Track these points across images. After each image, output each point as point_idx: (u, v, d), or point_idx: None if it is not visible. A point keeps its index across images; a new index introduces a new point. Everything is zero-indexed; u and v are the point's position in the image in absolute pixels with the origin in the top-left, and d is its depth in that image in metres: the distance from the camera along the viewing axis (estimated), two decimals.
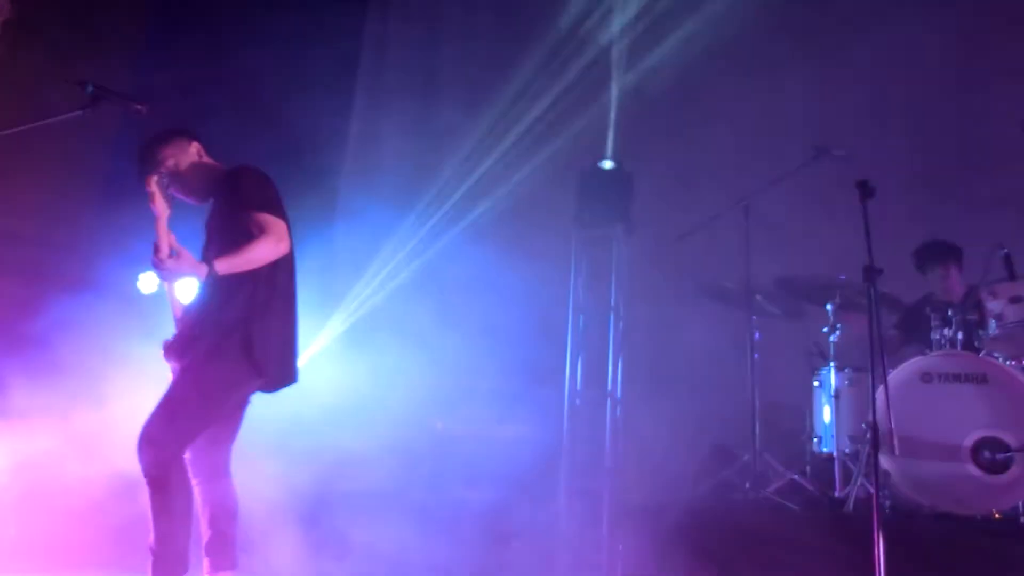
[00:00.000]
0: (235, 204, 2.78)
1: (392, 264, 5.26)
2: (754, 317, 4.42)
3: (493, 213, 5.39)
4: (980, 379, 3.43)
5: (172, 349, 2.79)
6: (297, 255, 2.97)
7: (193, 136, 3.01)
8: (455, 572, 4.11)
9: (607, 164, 5.21)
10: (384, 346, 4.96)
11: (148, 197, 2.69)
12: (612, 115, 5.42)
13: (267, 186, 2.85)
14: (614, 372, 5.01)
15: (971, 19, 5.13)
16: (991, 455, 3.30)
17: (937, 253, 4.38)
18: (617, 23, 5.61)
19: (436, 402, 4.94)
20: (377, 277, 5.25)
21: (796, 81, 5.12)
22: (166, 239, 2.69)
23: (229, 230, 2.77)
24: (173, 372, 2.81)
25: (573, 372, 5.03)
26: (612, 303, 5.10)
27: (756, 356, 4.37)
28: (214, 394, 2.72)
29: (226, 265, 2.66)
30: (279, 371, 2.83)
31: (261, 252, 2.69)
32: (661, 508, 3.99)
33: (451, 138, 5.59)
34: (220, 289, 2.72)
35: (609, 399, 4.92)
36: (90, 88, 2.32)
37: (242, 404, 2.91)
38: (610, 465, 4.75)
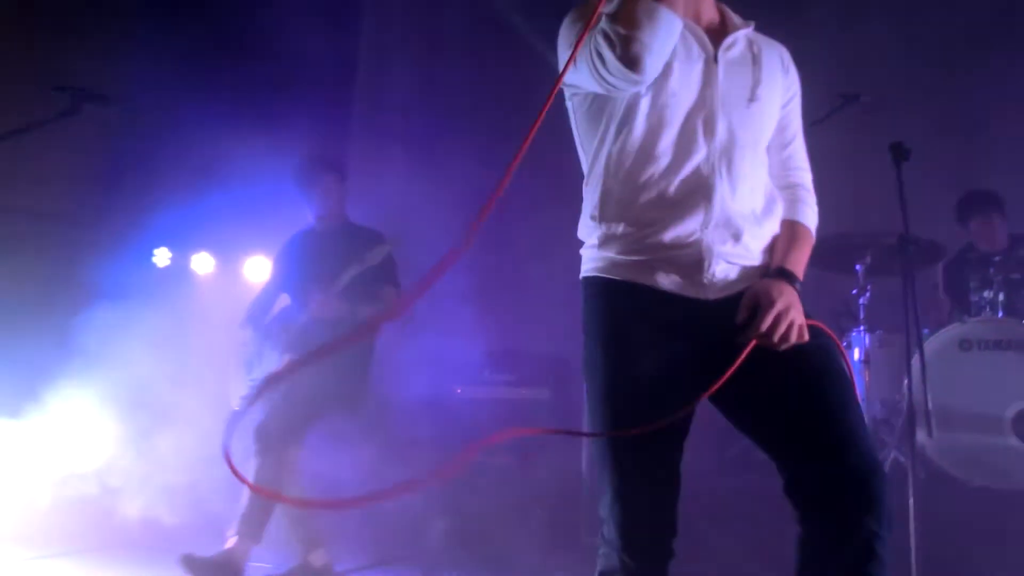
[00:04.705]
0: (374, 266, 3.30)
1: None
2: None
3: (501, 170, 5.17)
4: (1023, 346, 3.29)
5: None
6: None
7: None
8: (476, 538, 4.10)
9: None
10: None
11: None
12: None
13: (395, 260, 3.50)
14: None
15: None
16: None
17: (976, 203, 4.14)
18: None
19: (453, 367, 4.87)
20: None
21: (821, 23, 4.79)
22: None
23: (358, 282, 3.28)
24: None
25: None
26: None
27: None
28: (318, 417, 3.26)
29: (363, 315, 3.26)
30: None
31: (385, 316, 3.42)
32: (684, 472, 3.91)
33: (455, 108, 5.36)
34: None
35: None
36: (68, 92, 2.16)
37: None
38: None
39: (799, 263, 1.65)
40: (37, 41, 4.10)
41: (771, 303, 1.53)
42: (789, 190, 1.74)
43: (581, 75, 1.59)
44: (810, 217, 1.73)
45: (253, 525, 3.03)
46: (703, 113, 1.62)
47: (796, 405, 1.55)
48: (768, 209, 1.69)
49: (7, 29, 4.04)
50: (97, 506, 3.90)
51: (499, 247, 4.97)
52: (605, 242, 1.66)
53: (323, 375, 3.12)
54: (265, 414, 3.13)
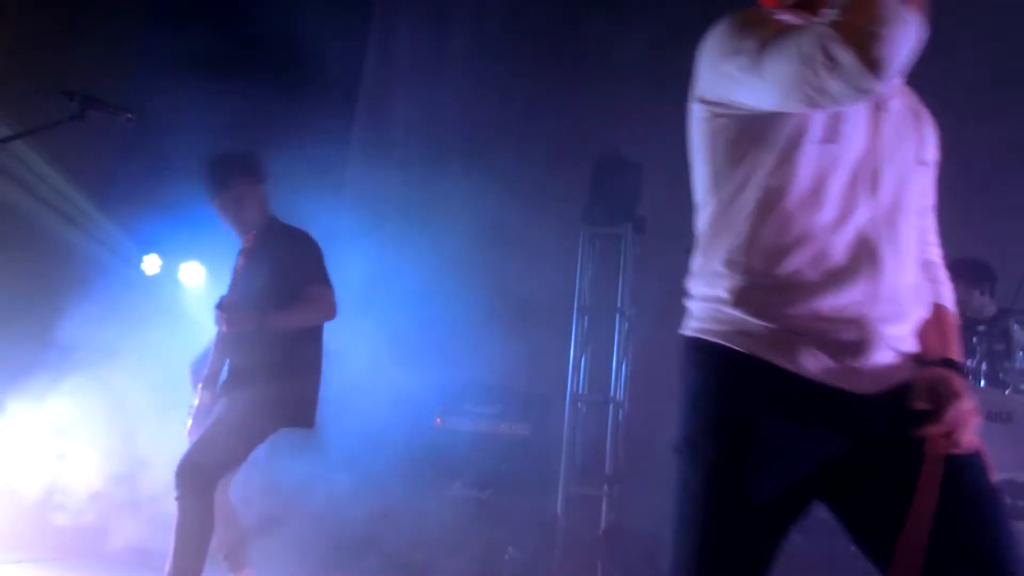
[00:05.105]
0: (291, 267, 3.01)
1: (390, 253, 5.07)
2: None
3: (497, 204, 5.20)
4: (1004, 418, 3.32)
5: (208, 383, 3.04)
6: None
7: (264, 178, 3.19)
8: (448, 572, 4.06)
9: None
10: (381, 336, 4.85)
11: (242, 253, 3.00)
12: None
13: (322, 256, 3.10)
14: (618, 375, 4.88)
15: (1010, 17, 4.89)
16: (1011, 500, 3.20)
17: (964, 272, 4.17)
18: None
19: (435, 395, 4.85)
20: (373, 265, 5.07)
21: None
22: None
23: (278, 287, 2.97)
24: (204, 403, 3.02)
25: (575, 373, 4.90)
26: (619, 303, 4.95)
27: None
28: (257, 440, 2.94)
29: (279, 323, 2.91)
30: (312, 418, 3.11)
31: (314, 317, 3.02)
32: (660, 526, 3.92)
33: (455, 131, 5.40)
34: (279, 340, 2.94)
35: (611, 403, 4.81)
36: (76, 98, 2.17)
37: None
38: (610, 472, 4.65)
39: (960, 355, 1.42)
40: (49, 47, 4.12)
41: (956, 396, 1.29)
42: (927, 268, 1.51)
43: (760, 87, 1.32)
44: (951, 302, 1.52)
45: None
46: (869, 167, 1.38)
47: (957, 532, 1.26)
48: (921, 287, 1.45)
49: (22, 34, 4.06)
50: (66, 515, 3.84)
51: (488, 281, 4.98)
52: (740, 297, 1.37)
53: (254, 402, 2.89)
54: (185, 453, 2.84)
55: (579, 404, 4.87)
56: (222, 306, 2.89)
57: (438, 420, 4.86)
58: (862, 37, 1.18)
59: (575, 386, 4.87)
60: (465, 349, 4.89)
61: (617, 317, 4.93)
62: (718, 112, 1.43)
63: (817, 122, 1.36)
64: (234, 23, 4.92)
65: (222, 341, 3.03)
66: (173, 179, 4.83)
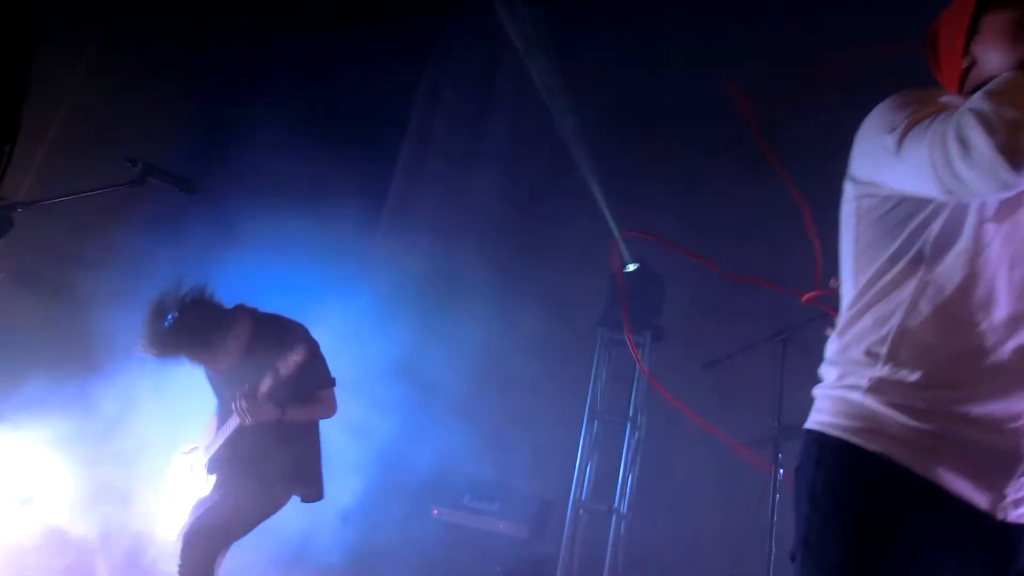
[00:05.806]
0: (299, 372, 2.86)
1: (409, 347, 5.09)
2: (780, 455, 4.24)
3: (518, 303, 5.25)
4: None
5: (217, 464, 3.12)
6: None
7: (223, 304, 2.99)
8: None
9: (631, 267, 5.05)
10: (390, 421, 4.83)
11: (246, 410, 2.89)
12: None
13: (321, 352, 3.10)
14: (623, 485, 4.81)
15: None
16: None
17: None
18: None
19: (436, 488, 4.79)
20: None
21: None
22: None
23: (292, 383, 2.91)
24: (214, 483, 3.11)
25: (580, 479, 4.84)
26: (631, 412, 4.93)
27: (778, 496, 4.18)
28: (256, 521, 2.99)
29: (296, 416, 2.99)
30: (321, 490, 3.17)
31: (323, 413, 3.12)
32: None
33: (482, 223, 5.54)
34: (287, 430, 3.01)
35: (614, 514, 4.72)
36: (139, 165, 2.29)
37: None
38: None
39: None
40: (110, 113, 4.34)
41: None
42: None
43: (900, 170, 1.23)
44: None
45: None
46: None
47: None
48: None
49: (86, 100, 4.30)
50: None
51: (501, 375, 4.99)
52: (880, 386, 1.25)
53: (263, 486, 2.99)
54: (192, 524, 2.92)
55: (581, 511, 4.78)
56: (246, 396, 2.84)
57: (435, 512, 4.79)
58: (1004, 125, 1.08)
59: (579, 492, 4.80)
60: (470, 441, 4.86)
61: (628, 426, 4.89)
62: (865, 192, 1.33)
63: (990, 204, 1.23)
64: (277, 100, 5.10)
65: (238, 432, 3.02)
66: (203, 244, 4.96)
